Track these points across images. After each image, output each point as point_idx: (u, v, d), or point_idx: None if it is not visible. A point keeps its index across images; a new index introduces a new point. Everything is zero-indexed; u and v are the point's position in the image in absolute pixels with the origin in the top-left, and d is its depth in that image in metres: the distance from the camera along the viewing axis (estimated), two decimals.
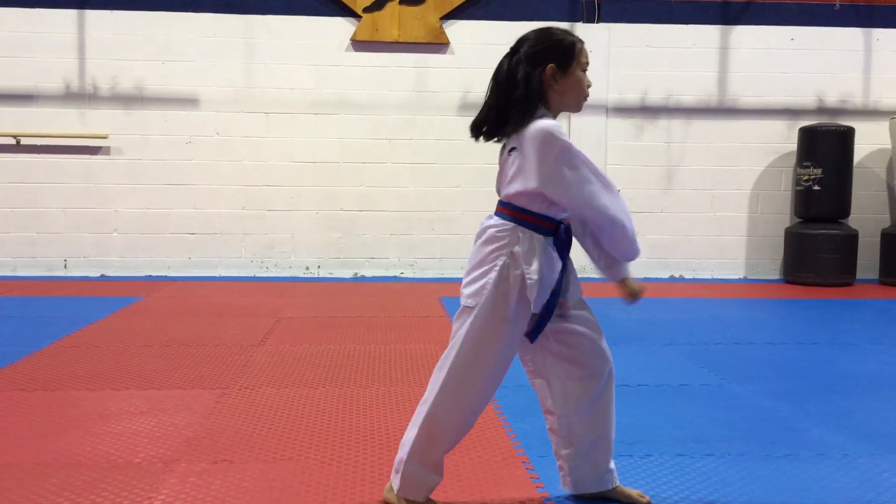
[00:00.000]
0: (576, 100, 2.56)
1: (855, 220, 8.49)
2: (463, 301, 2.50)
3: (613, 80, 8.45)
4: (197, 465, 2.97)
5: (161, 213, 8.24)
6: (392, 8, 8.18)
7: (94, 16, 8.06)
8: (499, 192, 2.57)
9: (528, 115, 2.44)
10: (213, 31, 8.17)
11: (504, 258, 2.45)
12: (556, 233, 2.54)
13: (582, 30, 8.33)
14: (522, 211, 2.48)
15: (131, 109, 8.15)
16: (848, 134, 8.19)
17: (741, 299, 7.38)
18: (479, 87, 8.21)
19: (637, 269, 9.47)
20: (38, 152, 8.11)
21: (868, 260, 8.56)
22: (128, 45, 8.10)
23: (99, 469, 2.93)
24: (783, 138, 8.61)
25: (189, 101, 8.18)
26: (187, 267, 8.31)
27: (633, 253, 2.62)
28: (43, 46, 8.03)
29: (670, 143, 8.56)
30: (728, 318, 6.34)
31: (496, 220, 2.51)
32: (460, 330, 2.49)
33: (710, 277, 8.68)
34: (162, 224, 8.25)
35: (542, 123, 2.41)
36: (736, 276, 8.74)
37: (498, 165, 2.59)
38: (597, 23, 8.39)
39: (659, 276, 8.64)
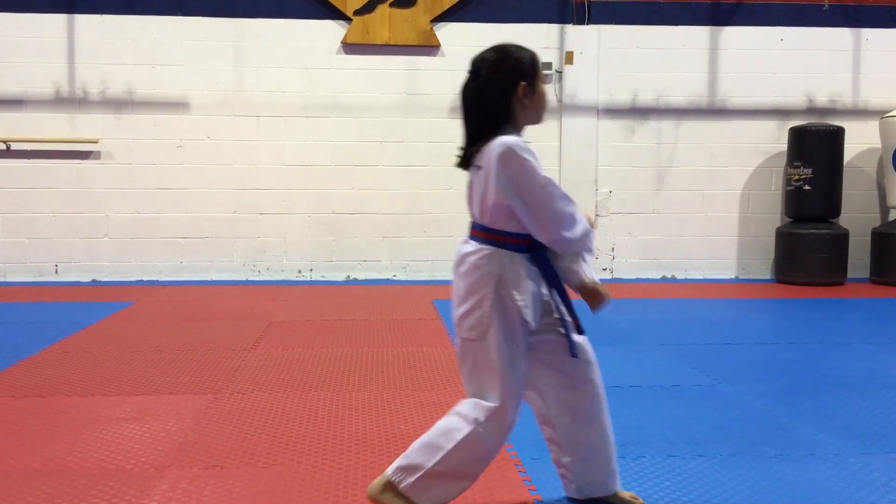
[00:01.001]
0: (541, 113, 2.60)
1: (845, 219, 8.52)
2: (465, 335, 2.49)
3: (603, 82, 8.46)
4: (188, 471, 2.96)
5: (152, 217, 8.22)
6: (383, 11, 8.18)
7: (82, 20, 8.04)
8: (472, 213, 2.57)
9: (496, 134, 2.45)
10: (203, 34, 8.15)
11: (493, 284, 2.45)
12: (533, 249, 2.51)
13: (572, 31, 8.35)
14: (498, 233, 2.48)
15: (121, 114, 8.13)
16: (838, 134, 8.22)
17: (732, 299, 7.40)
18: None
19: (629, 269, 9.45)
20: (28, 157, 8.08)
21: (858, 259, 8.60)
22: (117, 49, 8.09)
23: (90, 475, 2.92)
24: (773, 138, 8.64)
25: (179, 105, 8.17)
26: (179, 271, 8.29)
27: (582, 244, 2.56)
28: (32, 51, 8.01)
29: (661, 143, 8.58)
30: (719, 318, 6.36)
31: (473, 246, 2.50)
32: (485, 360, 2.47)
33: (701, 277, 8.70)
34: (153, 228, 8.23)
35: (503, 139, 2.42)
36: (727, 276, 8.76)
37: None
38: (586, 24, 8.40)
39: (650, 277, 8.66)
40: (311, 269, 8.42)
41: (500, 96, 2.48)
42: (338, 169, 8.28)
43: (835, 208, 8.29)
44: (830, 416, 3.71)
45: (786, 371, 4.59)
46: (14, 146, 8.03)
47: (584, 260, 2.64)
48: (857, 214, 8.70)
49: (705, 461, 3.09)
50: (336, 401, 3.91)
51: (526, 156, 2.42)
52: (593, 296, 2.64)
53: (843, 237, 8.21)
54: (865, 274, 8.62)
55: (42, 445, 3.23)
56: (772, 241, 8.65)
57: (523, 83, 2.49)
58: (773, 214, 8.73)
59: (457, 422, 2.49)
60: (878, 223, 8.68)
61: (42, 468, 2.99)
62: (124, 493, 2.76)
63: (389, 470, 2.49)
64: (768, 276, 8.76)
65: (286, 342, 5.29)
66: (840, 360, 4.84)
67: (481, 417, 2.46)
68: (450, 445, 2.46)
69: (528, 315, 2.47)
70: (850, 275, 8.43)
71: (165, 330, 5.68)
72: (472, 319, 2.47)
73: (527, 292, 2.48)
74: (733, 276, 8.76)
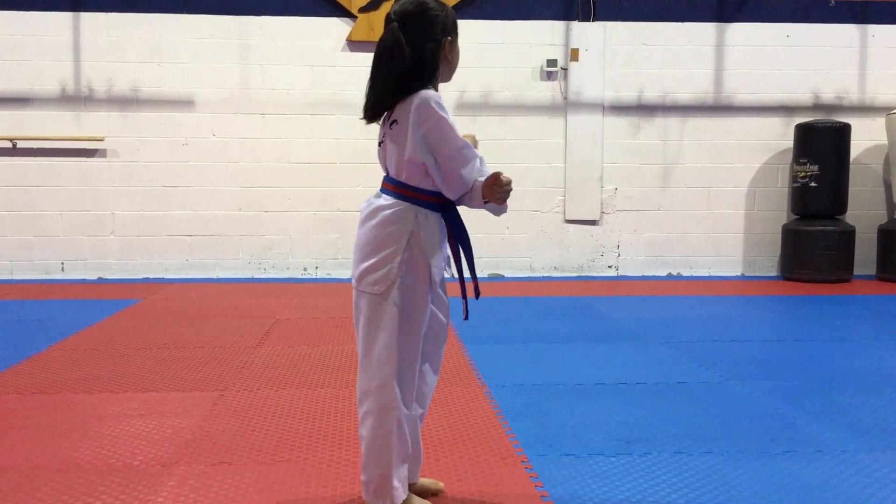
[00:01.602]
0: (453, 70, 2.59)
1: (852, 216, 8.50)
2: (366, 288, 2.44)
3: (609, 79, 8.45)
4: (195, 468, 2.97)
5: (158, 215, 8.23)
6: (388, 7, 8.12)
7: (88, 18, 8.05)
8: (385, 168, 2.56)
9: (416, 89, 2.42)
10: (208, 32, 8.16)
11: (405, 240, 2.44)
12: (446, 208, 2.53)
13: (577, 28, 8.33)
14: (414, 189, 2.48)
15: (127, 111, 8.14)
16: (844, 130, 8.20)
17: (739, 296, 7.38)
18: (474, 87, 8.24)
19: (634, 266, 9.47)
20: (35, 155, 8.10)
21: (865, 256, 8.58)
22: (123, 47, 8.09)
23: (97, 472, 2.92)
24: (779, 135, 8.62)
25: (185, 103, 8.17)
26: (184, 269, 8.30)
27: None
28: (38, 49, 8.02)
29: (667, 140, 8.56)
30: (726, 315, 6.35)
31: (387, 200, 2.49)
32: (380, 319, 2.44)
33: (707, 275, 8.68)
34: (159, 226, 8.24)
35: (424, 93, 2.41)
36: (733, 274, 8.74)
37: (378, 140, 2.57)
38: (592, 21, 8.39)
39: (656, 274, 8.65)
40: (316, 267, 8.43)
41: (430, 49, 2.45)
42: (343, 166, 8.28)
43: (841, 205, 8.27)
44: (838, 412, 3.70)
45: (792, 368, 4.58)
46: (20, 144, 8.05)
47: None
48: (864, 211, 8.68)
49: (712, 458, 3.09)
50: (342, 397, 3.91)
51: (443, 113, 2.41)
52: (492, 183, 2.43)
53: (849, 234, 8.18)
54: (872, 271, 8.60)
55: (50, 442, 3.24)
56: (778, 238, 8.63)
57: (449, 38, 2.49)
58: (779, 211, 8.71)
59: (370, 424, 2.47)
60: (884, 220, 8.65)
61: (50, 465, 2.99)
62: (131, 489, 2.77)
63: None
64: (774, 274, 8.74)
65: (292, 339, 5.30)
66: (847, 357, 4.83)
67: (374, 406, 2.46)
68: (381, 448, 2.46)
69: (437, 275, 2.49)
70: (856, 272, 8.41)
71: (172, 327, 5.69)
72: (379, 274, 2.43)
73: (438, 252, 2.49)
74: (739, 274, 8.74)
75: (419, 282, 2.46)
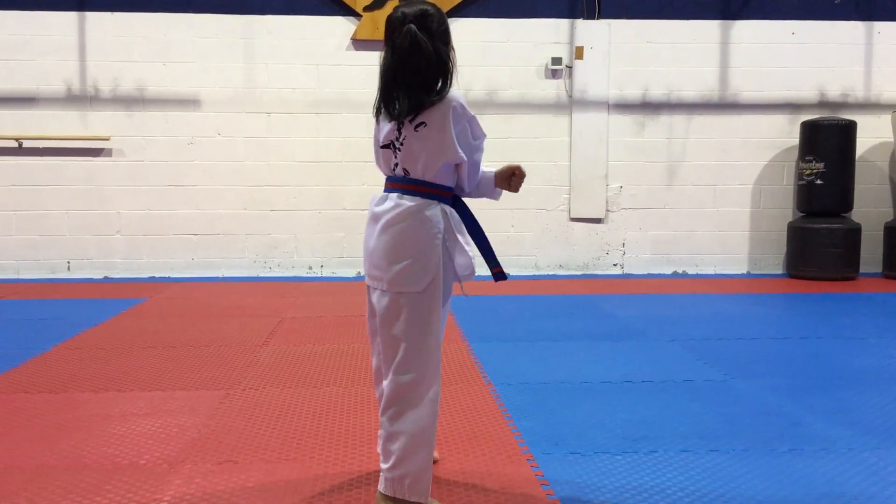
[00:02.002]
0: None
1: (858, 213, 8.49)
2: (406, 288, 2.48)
3: (614, 77, 8.44)
4: (202, 466, 2.97)
5: (163, 214, 8.24)
6: (392, 6, 8.15)
7: (94, 17, 8.07)
8: (403, 169, 2.55)
9: (444, 90, 2.49)
10: (213, 31, 8.17)
11: (441, 237, 2.52)
12: (457, 201, 2.66)
13: (582, 26, 8.33)
14: (440, 188, 2.55)
15: (132, 111, 8.15)
16: (850, 128, 8.18)
17: (744, 294, 7.37)
18: (479, 85, 8.23)
19: (639, 265, 9.46)
20: (40, 155, 8.12)
21: (871, 254, 8.56)
22: (128, 47, 8.11)
23: (104, 471, 2.93)
24: (785, 133, 8.60)
25: (190, 102, 8.19)
26: (190, 268, 8.32)
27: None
28: (43, 49, 8.04)
29: (672, 138, 8.56)
30: (731, 313, 6.34)
31: (413, 200, 2.51)
32: (425, 315, 2.50)
33: (713, 273, 8.67)
34: (164, 225, 8.26)
35: (456, 95, 2.50)
36: (739, 272, 8.73)
37: (392, 143, 2.57)
38: (597, 19, 8.38)
39: (662, 272, 8.64)
40: (321, 266, 8.44)
41: (444, 51, 2.51)
42: (348, 165, 8.29)
43: (847, 203, 8.25)
44: (844, 410, 3.69)
45: (798, 366, 4.57)
46: (26, 144, 8.07)
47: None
48: (870, 209, 8.66)
49: (718, 456, 3.08)
50: (348, 396, 3.92)
51: (472, 112, 2.55)
52: (511, 175, 2.70)
53: (855, 232, 8.17)
54: (878, 269, 8.58)
55: (56, 441, 3.25)
56: (784, 235, 8.62)
57: (451, 45, 2.58)
58: (784, 209, 8.70)
59: (407, 413, 2.51)
60: (890, 217, 8.64)
61: (56, 463, 3.00)
62: (138, 488, 2.77)
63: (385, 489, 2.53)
64: (780, 271, 8.73)
65: (297, 338, 5.30)
66: (853, 355, 4.82)
67: (421, 399, 2.51)
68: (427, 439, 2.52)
69: (466, 268, 2.59)
70: (862, 269, 8.39)
71: (177, 326, 5.70)
72: (420, 273, 2.48)
73: (468, 244, 2.60)
74: (745, 272, 8.73)
75: (448, 276, 2.57)
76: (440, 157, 2.49)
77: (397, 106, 2.48)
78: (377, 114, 2.58)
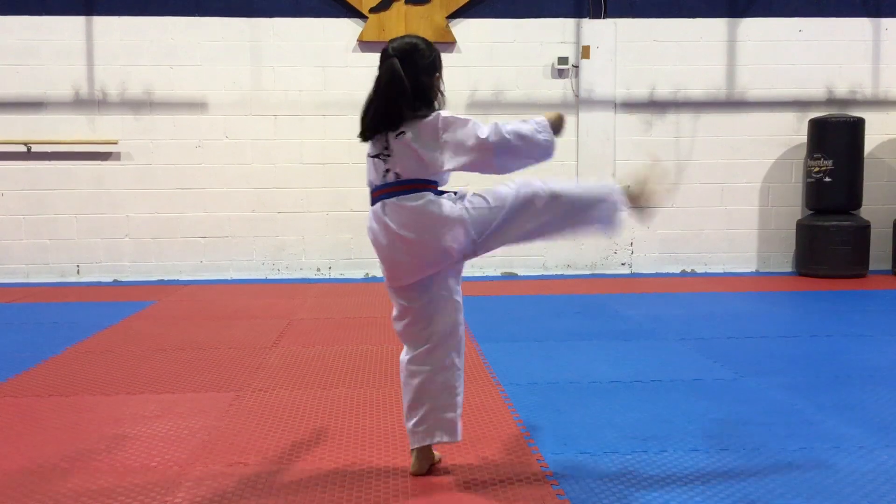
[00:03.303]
0: (444, 100, 2.99)
1: (867, 210, 8.45)
2: (443, 265, 2.86)
3: (621, 76, 8.43)
4: (212, 468, 2.98)
5: (172, 217, 8.27)
6: (398, 8, 8.18)
7: (101, 22, 8.09)
8: (395, 174, 2.83)
9: (425, 110, 2.82)
10: (220, 34, 8.19)
11: (458, 216, 2.83)
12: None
13: (588, 25, 8.32)
14: (433, 182, 2.84)
15: (140, 114, 8.18)
16: (858, 125, 8.15)
17: (753, 293, 7.35)
18: (485, 85, 8.23)
19: (648, 264, 9.44)
20: (49, 159, 8.15)
21: (881, 251, 8.52)
22: (135, 51, 8.13)
23: (115, 473, 2.94)
24: (793, 130, 8.57)
25: (197, 105, 8.21)
26: (199, 270, 8.34)
27: (544, 147, 2.97)
28: (51, 53, 8.07)
29: (679, 137, 8.54)
30: (740, 311, 6.32)
31: (423, 197, 2.79)
32: (449, 285, 2.92)
33: (721, 271, 8.65)
34: (173, 228, 8.28)
35: (442, 111, 2.83)
36: (748, 270, 8.70)
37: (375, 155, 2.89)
38: (603, 18, 8.37)
39: (670, 271, 8.62)
40: (329, 267, 8.45)
41: (425, 81, 2.87)
42: (355, 167, 8.29)
43: (856, 200, 8.22)
44: (854, 408, 3.68)
45: (808, 364, 4.56)
46: (35, 148, 8.10)
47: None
48: (879, 206, 8.62)
49: (728, 455, 3.08)
50: (357, 397, 3.92)
51: (461, 115, 2.83)
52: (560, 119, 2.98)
53: (864, 229, 8.13)
54: (888, 266, 8.54)
55: (67, 444, 3.26)
56: (792, 233, 8.59)
57: (437, 73, 2.92)
58: (793, 207, 8.67)
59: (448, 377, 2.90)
60: None
61: (67, 466, 3.01)
62: (148, 490, 2.78)
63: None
64: (789, 270, 8.70)
65: (306, 340, 5.31)
66: (863, 353, 4.81)
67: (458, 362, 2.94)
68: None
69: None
70: (871, 267, 8.36)
71: (187, 329, 5.72)
72: (452, 248, 2.80)
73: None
74: (754, 270, 8.70)
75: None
76: (424, 159, 2.79)
77: (364, 122, 2.91)
78: (362, 134, 2.93)
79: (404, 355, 2.98)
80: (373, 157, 2.89)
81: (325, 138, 8.29)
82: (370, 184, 2.93)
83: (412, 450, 2.91)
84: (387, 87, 2.81)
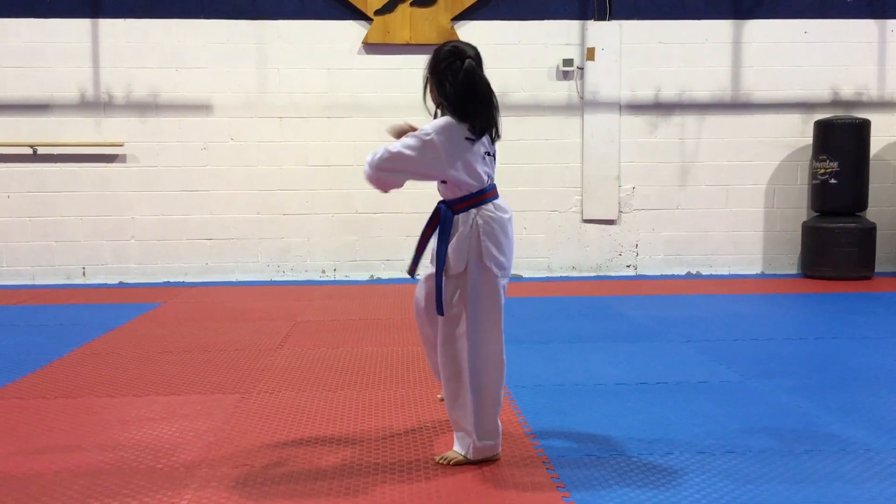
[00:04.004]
0: None
1: (872, 212, 8.44)
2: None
3: (626, 77, 8.42)
4: (218, 470, 2.98)
5: (177, 219, 8.28)
6: (403, 10, 8.18)
7: (107, 24, 8.11)
8: (490, 175, 3.06)
9: None
10: (225, 37, 8.20)
11: None
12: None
13: (593, 27, 8.31)
14: None
15: (146, 117, 8.20)
16: (864, 126, 8.14)
17: (759, 295, 7.34)
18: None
19: (653, 266, 9.47)
20: (55, 161, 8.17)
21: (887, 253, 8.50)
22: (141, 53, 8.15)
23: (121, 475, 2.95)
24: (798, 132, 8.56)
25: (203, 108, 8.22)
26: (204, 272, 8.35)
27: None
28: (57, 56, 8.09)
29: (684, 139, 8.53)
30: (746, 313, 6.31)
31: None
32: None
33: (727, 273, 8.63)
34: (179, 230, 8.29)
35: None
36: (753, 272, 8.69)
37: (475, 155, 3.00)
38: (608, 20, 8.36)
39: (675, 273, 8.61)
40: (334, 269, 8.45)
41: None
42: (360, 169, 8.24)
43: (861, 202, 8.20)
44: (861, 411, 3.67)
45: (814, 366, 4.55)
46: (41, 150, 8.12)
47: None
48: (885, 208, 8.61)
49: (735, 458, 3.07)
50: (363, 399, 3.92)
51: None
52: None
53: (870, 231, 8.12)
54: (893, 268, 8.52)
55: (73, 445, 3.27)
56: (798, 235, 8.57)
57: None
58: (798, 209, 8.66)
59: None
60: None
61: (74, 468, 3.02)
62: (155, 492, 2.79)
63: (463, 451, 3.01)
64: (795, 272, 8.68)
65: (312, 342, 5.32)
66: (869, 355, 4.80)
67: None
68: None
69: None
70: (877, 269, 8.34)
71: (193, 331, 5.72)
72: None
73: None
74: (759, 272, 8.69)
75: None
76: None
77: (495, 126, 3.08)
78: (476, 133, 2.97)
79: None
80: (486, 154, 3.01)
81: (330, 140, 8.30)
82: (486, 177, 3.00)
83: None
84: (489, 90, 3.00)
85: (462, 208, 2.97)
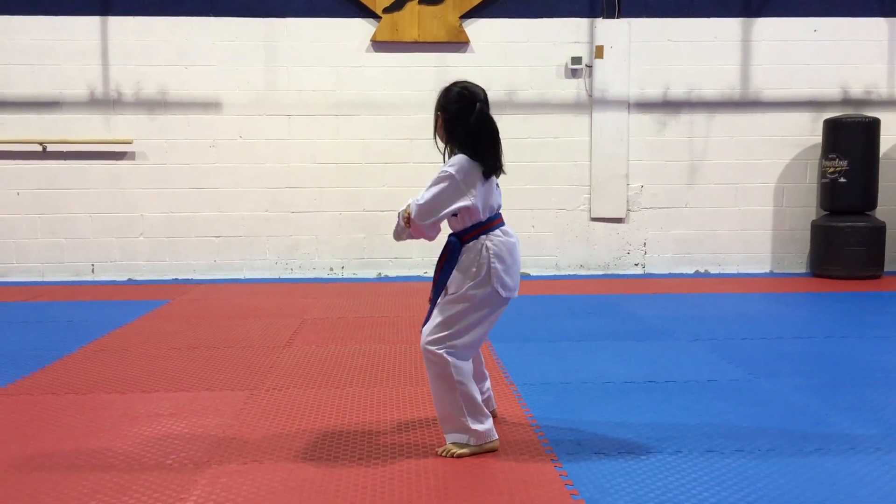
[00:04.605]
0: None
1: (882, 211, 8.40)
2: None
3: (634, 76, 8.41)
4: (227, 466, 2.99)
5: (186, 216, 8.30)
6: (411, 8, 8.18)
7: (116, 22, 8.14)
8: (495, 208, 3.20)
9: None
10: (234, 34, 8.21)
11: None
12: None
13: (602, 25, 8.30)
14: None
15: (155, 114, 8.22)
16: (873, 125, 8.11)
17: (767, 294, 7.32)
18: (499, 86, 8.22)
19: (661, 264, 9.45)
20: (64, 158, 8.20)
21: None
22: (150, 51, 8.17)
23: (130, 471, 2.96)
24: (807, 131, 8.53)
25: (212, 105, 8.24)
26: (213, 270, 8.37)
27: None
28: (67, 53, 8.12)
29: (693, 137, 8.51)
30: (755, 312, 6.30)
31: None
32: None
33: (735, 272, 8.62)
34: (187, 227, 8.31)
35: None
36: (762, 271, 8.67)
37: (488, 188, 3.16)
38: (617, 18, 8.35)
39: (684, 272, 8.59)
40: (342, 267, 8.46)
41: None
42: (368, 166, 8.31)
43: (871, 201, 8.17)
44: (870, 410, 3.66)
45: (824, 365, 4.54)
46: (50, 147, 8.15)
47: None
48: (894, 207, 8.57)
49: (744, 456, 3.07)
50: (371, 397, 3.93)
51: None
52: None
53: (879, 230, 8.09)
54: None
55: (83, 442, 3.28)
56: (807, 234, 8.55)
57: None
58: (807, 208, 8.63)
59: None
60: None
61: (84, 464, 3.03)
62: (164, 488, 2.80)
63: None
64: (804, 270, 8.66)
65: (319, 339, 5.32)
66: (879, 354, 4.78)
67: None
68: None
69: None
70: (887, 268, 8.31)
71: (201, 327, 5.74)
72: None
73: None
74: (768, 271, 8.67)
75: None
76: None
77: (501, 163, 3.18)
78: (487, 171, 3.12)
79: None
80: (495, 184, 3.19)
81: (338, 138, 8.31)
82: (496, 206, 3.18)
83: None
84: (496, 133, 3.14)
85: (472, 237, 3.12)
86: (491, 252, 3.08)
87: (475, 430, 3.07)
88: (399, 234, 3.23)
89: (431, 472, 2.93)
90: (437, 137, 3.23)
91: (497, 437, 3.15)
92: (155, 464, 3.03)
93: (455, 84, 3.19)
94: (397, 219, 3.19)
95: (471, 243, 3.11)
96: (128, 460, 3.07)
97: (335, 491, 2.76)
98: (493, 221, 3.15)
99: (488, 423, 3.12)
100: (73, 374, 4.40)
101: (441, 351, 3.04)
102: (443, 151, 3.22)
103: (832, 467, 2.94)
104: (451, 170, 3.05)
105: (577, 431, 3.38)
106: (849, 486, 2.76)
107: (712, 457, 3.06)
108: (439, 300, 3.16)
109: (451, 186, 3.05)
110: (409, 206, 3.13)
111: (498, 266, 3.08)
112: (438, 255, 3.20)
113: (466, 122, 3.09)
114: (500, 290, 3.09)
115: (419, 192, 3.12)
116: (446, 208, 3.07)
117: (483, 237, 3.11)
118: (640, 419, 3.54)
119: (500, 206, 3.20)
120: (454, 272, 3.12)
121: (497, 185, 3.20)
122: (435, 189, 3.07)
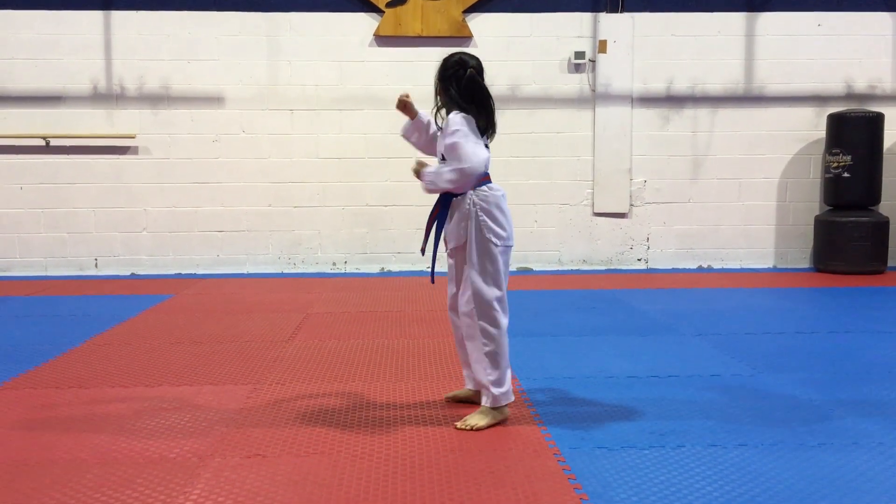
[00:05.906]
0: None
1: (886, 206, 8.39)
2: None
3: (638, 70, 8.39)
4: (230, 460, 3.00)
5: (189, 211, 8.31)
6: (415, 2, 8.17)
7: (119, 16, 8.13)
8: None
9: None
10: (237, 29, 8.21)
11: None
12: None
13: (605, 19, 8.28)
14: None
15: (158, 109, 8.22)
16: (877, 120, 8.09)
17: (771, 289, 7.31)
18: (502, 80, 8.21)
19: (664, 259, 9.45)
20: (67, 153, 8.20)
21: None
22: (153, 45, 8.17)
23: (134, 465, 2.96)
24: (811, 125, 8.51)
25: (215, 100, 8.23)
26: (216, 264, 8.38)
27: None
28: (70, 48, 8.12)
29: (696, 132, 8.49)
30: (758, 307, 6.29)
31: None
32: None
33: (738, 267, 8.61)
34: (190, 222, 8.32)
35: None
36: (765, 266, 8.66)
37: (488, 151, 3.49)
38: (620, 12, 8.33)
39: (687, 267, 8.59)
40: (345, 262, 8.46)
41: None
42: (371, 161, 8.30)
43: (875, 195, 8.15)
44: (873, 404, 3.66)
45: (827, 360, 4.53)
46: (53, 142, 8.15)
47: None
48: None
49: (747, 451, 3.07)
50: (374, 391, 3.93)
51: None
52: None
53: (883, 225, 8.07)
54: None
55: (87, 435, 3.29)
56: (810, 229, 8.53)
57: None
58: (811, 202, 8.61)
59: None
60: None
61: (88, 458, 3.04)
62: (168, 481, 2.80)
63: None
64: (807, 265, 8.65)
65: (322, 334, 5.33)
66: (882, 349, 4.78)
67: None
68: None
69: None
70: (890, 263, 8.30)
71: (204, 322, 5.74)
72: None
73: None
74: (771, 266, 8.66)
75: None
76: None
77: (493, 124, 3.55)
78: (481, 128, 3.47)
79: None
80: (486, 145, 3.48)
81: (341, 133, 8.30)
82: (487, 167, 3.45)
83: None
84: (487, 96, 3.52)
85: (461, 192, 3.43)
86: (478, 207, 3.39)
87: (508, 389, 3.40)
88: (438, 188, 3.45)
89: (434, 465, 2.93)
90: (437, 110, 3.62)
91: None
92: (159, 457, 3.03)
93: (452, 55, 3.57)
94: (430, 176, 3.42)
95: (458, 198, 3.43)
96: (131, 454, 3.07)
97: (338, 484, 2.76)
98: (481, 178, 3.43)
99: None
100: (76, 369, 4.41)
101: (494, 312, 3.38)
102: (442, 120, 3.55)
103: (835, 462, 2.94)
104: (455, 127, 3.39)
105: (579, 425, 3.38)
106: (852, 481, 2.76)
107: (715, 451, 3.06)
108: (465, 270, 3.41)
109: (471, 139, 3.38)
110: (422, 170, 3.47)
111: (486, 218, 3.38)
112: (432, 208, 3.54)
113: (459, 83, 3.47)
114: (494, 240, 3.37)
115: (433, 163, 3.51)
116: (484, 151, 3.41)
117: (471, 192, 3.41)
118: (644, 413, 3.54)
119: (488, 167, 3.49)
120: (449, 226, 3.46)
121: (488, 147, 3.48)
122: (464, 144, 3.36)
